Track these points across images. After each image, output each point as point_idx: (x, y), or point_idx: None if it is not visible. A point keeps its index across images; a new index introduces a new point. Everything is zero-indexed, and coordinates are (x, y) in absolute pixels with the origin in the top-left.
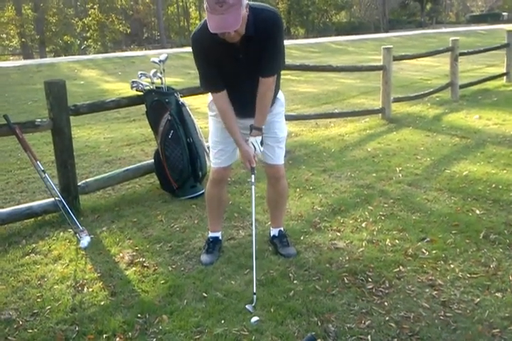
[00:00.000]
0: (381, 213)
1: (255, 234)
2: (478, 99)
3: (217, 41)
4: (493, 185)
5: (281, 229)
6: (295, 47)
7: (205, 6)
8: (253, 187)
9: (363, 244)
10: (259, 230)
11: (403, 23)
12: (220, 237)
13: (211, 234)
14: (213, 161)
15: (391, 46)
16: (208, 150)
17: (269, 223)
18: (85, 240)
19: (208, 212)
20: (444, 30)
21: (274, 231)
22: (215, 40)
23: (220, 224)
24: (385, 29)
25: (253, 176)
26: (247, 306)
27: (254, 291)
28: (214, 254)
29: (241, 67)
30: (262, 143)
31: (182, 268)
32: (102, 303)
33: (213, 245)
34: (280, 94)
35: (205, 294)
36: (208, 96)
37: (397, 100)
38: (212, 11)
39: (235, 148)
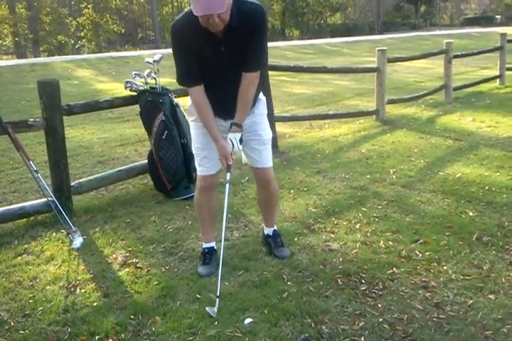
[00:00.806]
0: (375, 215)
1: (224, 239)
2: (472, 102)
3: (199, 32)
4: (487, 187)
5: (275, 228)
6: (289, 48)
7: None
8: (227, 185)
9: (357, 246)
10: (254, 231)
11: (397, 25)
12: (215, 247)
13: (205, 245)
14: (199, 169)
15: (385, 48)
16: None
17: (263, 224)
18: (78, 241)
19: (199, 222)
20: (438, 32)
21: (268, 231)
22: (197, 31)
23: (213, 233)
24: (380, 31)
25: (228, 174)
26: (207, 309)
27: (218, 294)
28: (211, 265)
29: (223, 60)
30: (241, 140)
31: (175, 270)
32: (95, 304)
33: (209, 256)
34: (261, 96)
35: (198, 295)
36: (188, 100)
37: (391, 102)
38: None
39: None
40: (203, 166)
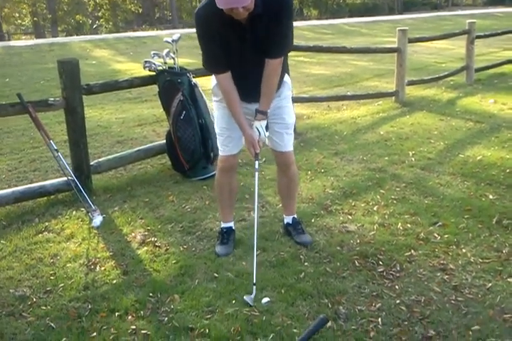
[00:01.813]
0: (393, 197)
1: (257, 225)
2: (494, 83)
3: (224, 19)
4: (508, 170)
5: (295, 216)
6: (308, 28)
7: None
8: (256, 174)
9: (374, 228)
10: (270, 212)
11: (418, 5)
12: (233, 227)
13: (224, 225)
14: (221, 148)
15: (406, 28)
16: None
17: (280, 205)
18: (97, 219)
19: (218, 202)
20: (460, 12)
21: (287, 219)
22: (221, 18)
23: (231, 213)
24: (400, 11)
25: (257, 162)
26: (245, 297)
27: (254, 282)
28: (229, 245)
29: (247, 47)
30: (267, 127)
31: (193, 249)
32: (114, 282)
33: (227, 236)
34: (287, 78)
35: (216, 274)
36: (212, 80)
37: (411, 83)
38: None
39: (242, 134)
40: (226, 146)
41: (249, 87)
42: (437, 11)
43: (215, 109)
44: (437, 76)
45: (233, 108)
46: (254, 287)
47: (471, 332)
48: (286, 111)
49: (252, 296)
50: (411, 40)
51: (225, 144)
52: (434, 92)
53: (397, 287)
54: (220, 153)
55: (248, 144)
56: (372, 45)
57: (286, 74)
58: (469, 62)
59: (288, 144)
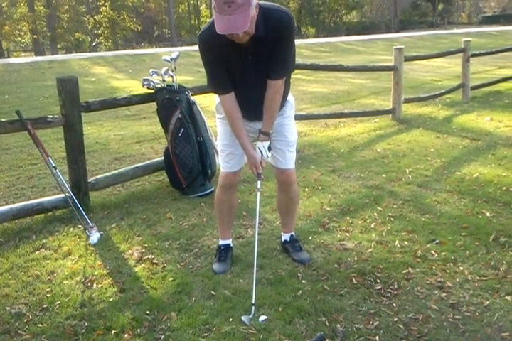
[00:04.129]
0: (390, 214)
1: (257, 246)
2: (490, 101)
3: (226, 41)
4: (504, 188)
5: (293, 233)
6: (305, 46)
7: (212, 5)
8: (258, 193)
9: (372, 245)
10: (268, 229)
11: (414, 24)
12: (231, 244)
13: (222, 242)
14: (223, 165)
15: (403, 46)
16: (217, 149)
17: (277, 223)
18: (95, 236)
19: (218, 219)
20: (455, 31)
21: (285, 237)
22: (224, 40)
23: (230, 230)
24: (396, 29)
25: (259, 182)
26: (243, 318)
27: (253, 302)
28: (226, 262)
29: (249, 68)
30: (269, 148)
31: (191, 266)
32: (111, 299)
33: (225, 253)
34: (290, 97)
35: (213, 292)
36: (216, 98)
37: (408, 101)
38: (220, 11)
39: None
40: (227, 162)
41: (252, 106)
42: (433, 29)
43: (218, 126)
44: (434, 94)
45: (236, 129)
46: (253, 307)
47: None
48: (289, 128)
49: (251, 316)
50: (407, 59)
51: (227, 161)
52: (431, 110)
53: (394, 305)
54: (222, 170)
55: (251, 165)
56: (369, 63)
57: (290, 94)
58: (465, 80)
59: (290, 162)
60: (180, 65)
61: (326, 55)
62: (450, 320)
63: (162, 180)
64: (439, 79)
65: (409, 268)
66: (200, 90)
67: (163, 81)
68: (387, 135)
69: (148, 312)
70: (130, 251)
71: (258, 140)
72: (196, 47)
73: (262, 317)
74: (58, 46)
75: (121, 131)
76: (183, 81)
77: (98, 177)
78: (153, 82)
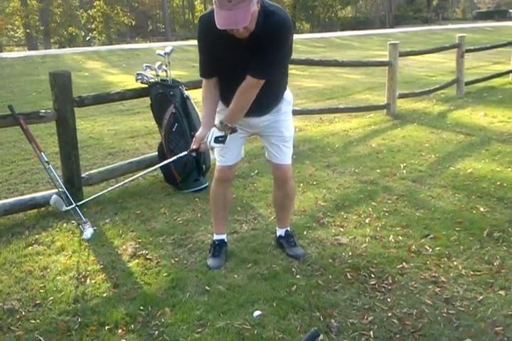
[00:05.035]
0: (385, 209)
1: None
2: (484, 97)
3: (225, 33)
4: (498, 183)
5: (288, 229)
6: (300, 41)
7: (213, 0)
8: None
9: (366, 240)
10: (263, 224)
11: (409, 19)
12: (226, 239)
13: (216, 237)
14: (218, 159)
15: (397, 42)
16: None
17: (272, 218)
18: (88, 232)
19: (212, 213)
20: (450, 26)
21: (280, 232)
22: (223, 32)
23: (225, 225)
24: (391, 24)
25: (184, 152)
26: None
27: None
28: (221, 258)
29: (242, 63)
30: (218, 140)
31: (185, 261)
32: (105, 295)
33: (219, 248)
34: (287, 94)
35: (207, 287)
36: None
37: (403, 96)
38: (220, 6)
39: (241, 147)
40: (222, 156)
41: None
42: (428, 24)
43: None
44: (428, 89)
45: (203, 108)
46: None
47: None
48: (285, 124)
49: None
50: (402, 54)
51: (221, 154)
52: (425, 105)
53: (389, 300)
54: (217, 163)
55: (195, 138)
56: (364, 58)
57: (287, 91)
58: (459, 75)
59: (286, 157)
60: (174, 59)
61: (320, 50)
62: (444, 314)
63: (156, 175)
64: (433, 75)
65: (404, 263)
66: (194, 85)
67: (157, 75)
68: (381, 130)
69: (142, 307)
70: (124, 247)
71: (214, 125)
72: (190, 42)
73: (257, 313)
74: (51, 40)
75: (114, 126)
76: (177, 76)
77: (91, 172)
78: (146, 76)
